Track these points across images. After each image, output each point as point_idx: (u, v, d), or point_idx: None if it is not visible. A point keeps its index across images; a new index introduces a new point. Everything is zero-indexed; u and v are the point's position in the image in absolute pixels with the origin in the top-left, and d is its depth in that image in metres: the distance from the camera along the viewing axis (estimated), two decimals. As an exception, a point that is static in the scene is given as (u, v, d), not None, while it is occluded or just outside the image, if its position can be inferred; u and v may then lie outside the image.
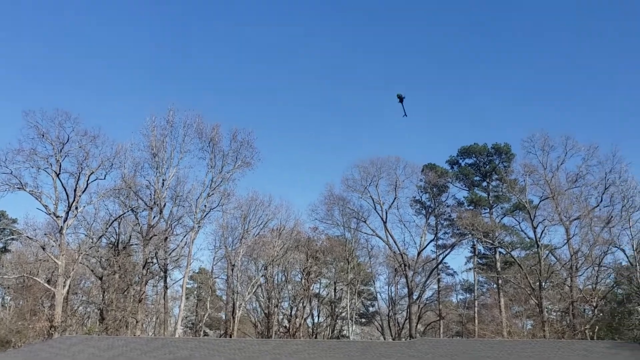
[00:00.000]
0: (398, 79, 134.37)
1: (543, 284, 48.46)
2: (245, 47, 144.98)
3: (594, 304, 47.61)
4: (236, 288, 54.56)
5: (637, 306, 47.34)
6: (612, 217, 48.29)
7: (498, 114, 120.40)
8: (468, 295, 66.38)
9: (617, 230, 48.31)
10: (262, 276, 57.61)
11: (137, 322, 47.81)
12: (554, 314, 52.98)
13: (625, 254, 48.49)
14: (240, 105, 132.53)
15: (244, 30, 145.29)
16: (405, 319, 58.98)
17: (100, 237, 50.37)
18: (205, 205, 51.71)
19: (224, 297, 64.43)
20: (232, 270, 55.28)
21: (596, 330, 47.06)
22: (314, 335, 60.81)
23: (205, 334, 64.85)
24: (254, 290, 56.13)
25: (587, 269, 50.11)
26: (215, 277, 64.52)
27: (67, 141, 45.50)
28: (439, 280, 63.37)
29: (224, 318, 64.30)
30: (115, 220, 50.35)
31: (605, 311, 50.53)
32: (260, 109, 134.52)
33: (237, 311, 53.09)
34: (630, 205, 47.68)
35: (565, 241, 50.05)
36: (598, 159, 50.08)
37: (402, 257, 57.51)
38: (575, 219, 49.58)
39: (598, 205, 49.59)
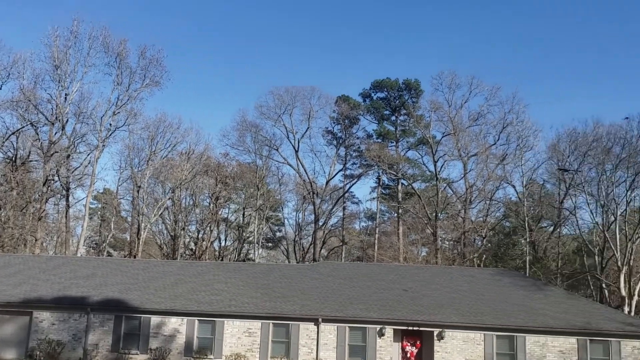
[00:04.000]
0: (322, 8, 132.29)
1: (439, 214, 51.71)
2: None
3: (483, 235, 51.45)
4: (142, 209, 53.99)
5: (520, 238, 51.75)
6: (506, 155, 51.75)
7: (411, 47, 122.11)
8: (370, 223, 69.43)
9: (509, 168, 52.00)
10: (169, 199, 57.16)
11: (36, 240, 46.46)
12: (447, 242, 56.94)
13: (515, 189, 52.54)
14: (150, 20, 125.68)
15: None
16: (310, 244, 61.11)
17: (-5, 150, 47.73)
18: (110, 124, 49.99)
19: (129, 219, 63.62)
20: (138, 191, 54.47)
21: (483, 258, 51.15)
22: (220, 258, 61.83)
23: (109, 254, 64.13)
24: (160, 213, 55.77)
25: (479, 202, 53.86)
26: (121, 198, 63.37)
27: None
28: (344, 208, 65.67)
29: (128, 239, 63.70)
30: (12, 134, 47.65)
31: (493, 242, 54.92)
32: (172, 26, 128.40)
33: (142, 232, 52.78)
34: (523, 144, 51.24)
35: (462, 176, 53.31)
36: (499, 99, 53.04)
37: (311, 185, 58.98)
38: (473, 155, 52.70)
39: (495, 144, 52.91)
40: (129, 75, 50.13)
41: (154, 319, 27.02)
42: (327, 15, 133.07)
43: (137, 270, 32.04)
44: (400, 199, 60.89)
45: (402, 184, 61.57)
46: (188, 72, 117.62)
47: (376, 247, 61.25)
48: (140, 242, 52.30)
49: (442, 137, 54.72)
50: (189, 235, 61.75)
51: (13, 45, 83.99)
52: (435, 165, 54.03)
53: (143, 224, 52.94)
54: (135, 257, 50.90)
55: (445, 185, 55.23)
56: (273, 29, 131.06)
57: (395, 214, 63.12)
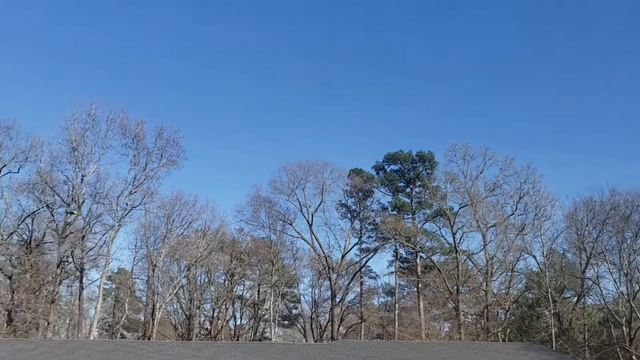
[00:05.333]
0: (332, 82, 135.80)
1: (460, 288, 50.37)
2: (170, 39, 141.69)
3: (507, 308, 49.90)
4: (157, 289, 53.21)
5: (545, 310, 50.05)
6: (525, 225, 50.97)
7: (424, 122, 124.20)
8: (389, 298, 67.82)
9: (529, 238, 51.17)
10: (184, 277, 56.48)
11: (48, 323, 45.59)
12: (470, 317, 55.17)
13: (536, 260, 51.42)
14: (166, 102, 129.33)
15: (168, 22, 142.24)
16: (328, 321, 59.51)
17: (11, 233, 47.43)
18: (126, 204, 50.00)
19: (144, 299, 62.68)
20: (154, 270, 53.86)
21: (508, 332, 49.34)
22: (236, 338, 60.26)
23: (123, 337, 62.81)
24: (175, 292, 54.96)
25: (501, 274, 52.58)
26: (135, 278, 62.66)
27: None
28: (361, 283, 64.36)
29: (142, 320, 62.49)
30: (28, 216, 47.69)
31: (517, 314, 53.18)
32: (186, 105, 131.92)
33: (157, 313, 51.77)
34: (542, 214, 50.63)
35: (482, 247, 52.29)
36: (514, 169, 52.84)
37: (327, 260, 58.12)
38: (491, 226, 51.90)
39: (513, 214, 52.27)
40: (146, 155, 50.62)
41: (168, 407, 25.84)
42: (338, 90, 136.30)
43: (151, 353, 31.03)
44: (419, 273, 59.66)
45: (421, 256, 60.55)
46: (204, 150, 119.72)
47: (396, 323, 59.45)
48: (155, 323, 51.18)
49: (460, 208, 54.22)
50: (204, 314, 60.53)
51: (31, 129, 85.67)
52: (454, 237, 53.14)
53: (158, 304, 52.02)
54: (149, 338, 49.69)
55: (465, 257, 54.13)
56: (285, 107, 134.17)
57: (415, 288, 61.70)
